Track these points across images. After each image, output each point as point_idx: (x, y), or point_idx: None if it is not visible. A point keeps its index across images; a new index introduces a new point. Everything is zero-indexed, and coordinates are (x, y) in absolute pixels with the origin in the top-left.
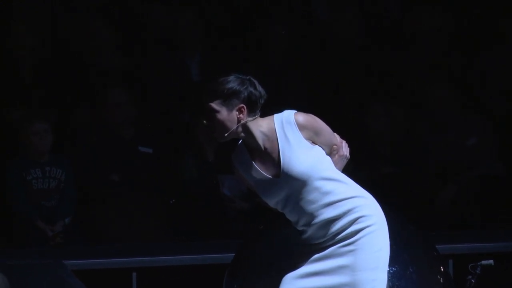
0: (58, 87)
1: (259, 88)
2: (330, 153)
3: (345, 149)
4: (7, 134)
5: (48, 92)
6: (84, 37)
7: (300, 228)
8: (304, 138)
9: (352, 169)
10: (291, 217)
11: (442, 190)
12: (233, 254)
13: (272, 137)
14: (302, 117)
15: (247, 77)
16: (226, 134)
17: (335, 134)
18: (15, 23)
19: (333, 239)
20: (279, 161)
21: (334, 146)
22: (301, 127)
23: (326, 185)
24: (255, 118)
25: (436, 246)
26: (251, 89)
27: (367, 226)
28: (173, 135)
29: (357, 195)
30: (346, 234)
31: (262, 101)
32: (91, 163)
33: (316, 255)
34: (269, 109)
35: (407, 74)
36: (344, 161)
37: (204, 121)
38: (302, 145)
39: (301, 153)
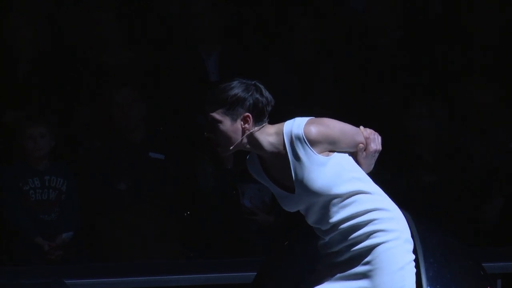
0: (59, 86)
1: (266, 93)
2: (356, 152)
3: (373, 144)
4: (2, 138)
5: (48, 91)
6: (89, 32)
7: (319, 234)
8: (318, 153)
9: (390, 177)
10: (312, 224)
11: (488, 202)
12: (255, 273)
13: (282, 153)
14: (314, 129)
15: (253, 82)
16: (231, 147)
17: (359, 129)
18: (13, 15)
19: (349, 250)
20: (291, 178)
21: (360, 145)
22: (313, 143)
23: (345, 198)
24: (263, 126)
25: (483, 264)
26: (257, 95)
27: (383, 242)
28: (187, 139)
29: (380, 207)
30: (362, 248)
31: (270, 108)
32: (96, 170)
33: (338, 275)
34: (298, 110)
35: (449, 71)
36: (376, 156)
37: (206, 133)
38: (315, 163)
39: (315, 171)
